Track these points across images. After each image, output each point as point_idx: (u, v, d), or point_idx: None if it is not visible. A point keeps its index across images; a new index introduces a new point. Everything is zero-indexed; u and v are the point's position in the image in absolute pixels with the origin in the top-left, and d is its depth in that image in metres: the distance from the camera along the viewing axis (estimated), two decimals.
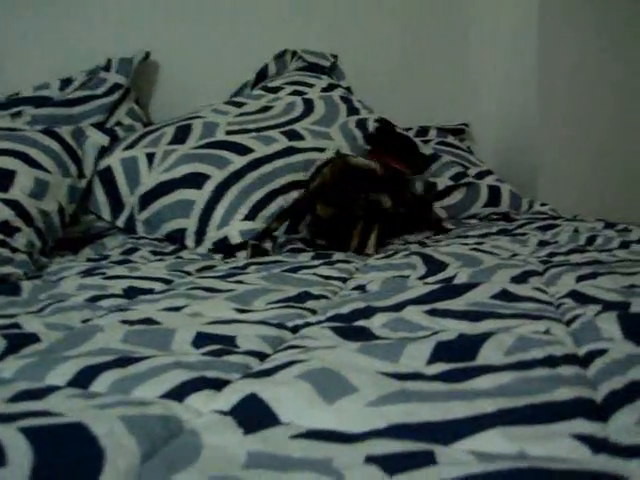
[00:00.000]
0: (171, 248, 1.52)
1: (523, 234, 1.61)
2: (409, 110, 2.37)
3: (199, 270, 1.27)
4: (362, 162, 1.55)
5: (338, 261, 1.30)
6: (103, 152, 1.70)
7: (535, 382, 0.59)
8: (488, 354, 0.65)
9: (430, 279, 1.11)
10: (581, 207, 2.30)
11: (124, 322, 0.83)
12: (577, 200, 2.33)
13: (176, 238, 1.55)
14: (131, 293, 1.05)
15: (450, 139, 2.26)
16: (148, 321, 0.85)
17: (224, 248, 1.45)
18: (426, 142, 2.17)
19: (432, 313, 0.85)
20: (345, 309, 0.88)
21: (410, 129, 2.29)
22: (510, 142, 2.45)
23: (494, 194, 1.98)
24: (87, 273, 1.19)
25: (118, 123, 1.93)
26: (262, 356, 0.70)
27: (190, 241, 1.52)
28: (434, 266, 1.20)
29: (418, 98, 2.44)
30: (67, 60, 2.08)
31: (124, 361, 0.66)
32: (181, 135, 1.69)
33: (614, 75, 2.39)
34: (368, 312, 0.86)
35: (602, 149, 2.41)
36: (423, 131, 2.30)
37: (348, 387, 0.57)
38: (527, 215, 1.95)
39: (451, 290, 0.96)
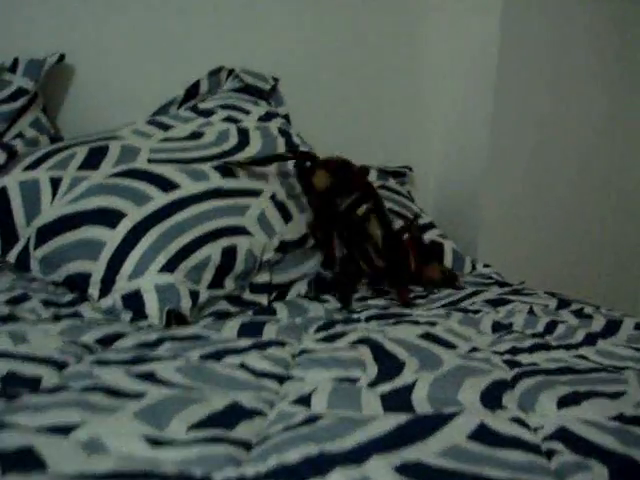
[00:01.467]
0: (69, 297, 1.28)
1: (475, 312, 1.44)
2: (348, 146, 2.19)
3: (101, 341, 1.04)
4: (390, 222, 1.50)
5: (270, 343, 1.09)
6: None
7: None
8: None
9: (386, 387, 0.93)
10: (521, 269, 2.17)
11: None
12: (518, 262, 2.20)
13: (77, 284, 1.31)
14: (10, 386, 0.81)
15: (391, 182, 2.09)
16: (28, 456, 0.62)
17: (133, 304, 1.22)
18: None
19: (403, 471, 0.66)
20: (292, 456, 0.67)
21: None
22: (453, 191, 2.29)
23: (437, 252, 1.82)
24: None
25: (19, 134, 1.65)
26: None
27: (94, 289, 1.27)
28: (386, 365, 1.01)
29: (359, 133, 2.26)
30: None
31: None
32: (95, 158, 1.44)
33: (570, 135, 2.26)
34: (322, 465, 0.66)
35: (550, 213, 2.28)
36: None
37: None
38: (471, 278, 1.79)
39: (420, 425, 0.77)
